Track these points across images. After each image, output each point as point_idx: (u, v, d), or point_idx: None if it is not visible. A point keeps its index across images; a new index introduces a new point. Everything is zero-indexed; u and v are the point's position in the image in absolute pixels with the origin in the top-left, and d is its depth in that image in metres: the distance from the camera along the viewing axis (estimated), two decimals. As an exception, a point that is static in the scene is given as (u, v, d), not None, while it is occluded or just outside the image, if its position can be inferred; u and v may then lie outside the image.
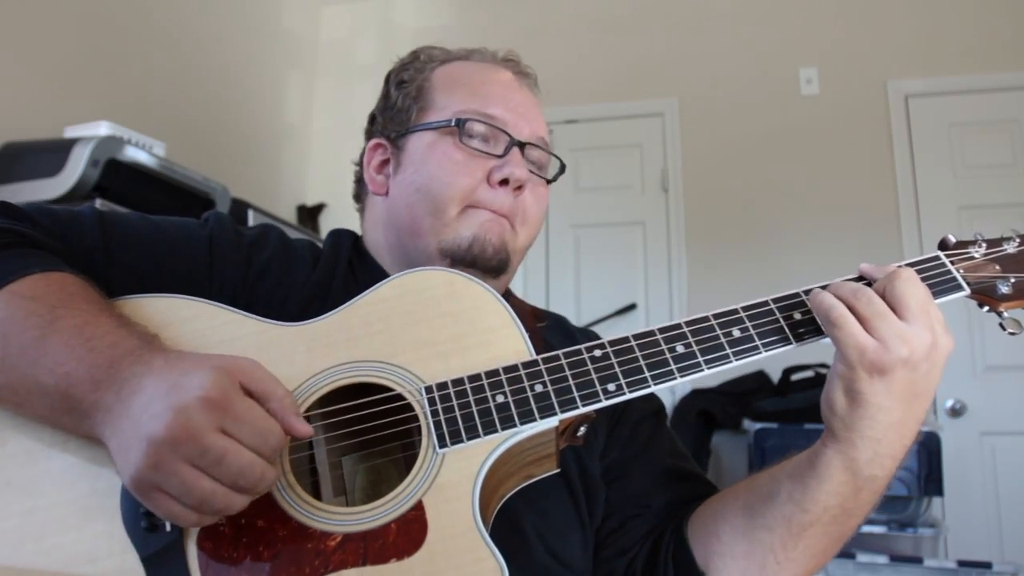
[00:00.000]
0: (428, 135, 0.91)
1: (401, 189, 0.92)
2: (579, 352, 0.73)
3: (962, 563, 2.30)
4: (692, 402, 3.01)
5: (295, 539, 0.64)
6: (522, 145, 0.90)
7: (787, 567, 0.78)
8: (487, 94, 0.92)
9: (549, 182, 0.97)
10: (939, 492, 2.58)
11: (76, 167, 1.92)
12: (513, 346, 0.74)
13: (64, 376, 0.62)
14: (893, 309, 0.69)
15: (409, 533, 0.64)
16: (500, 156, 0.89)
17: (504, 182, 0.88)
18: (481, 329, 0.75)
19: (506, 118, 0.90)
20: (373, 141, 0.98)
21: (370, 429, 0.71)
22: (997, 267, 0.79)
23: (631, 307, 3.38)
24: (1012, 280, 0.77)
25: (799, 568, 0.79)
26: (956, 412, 3.06)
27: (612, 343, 0.74)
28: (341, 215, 3.54)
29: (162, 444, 0.56)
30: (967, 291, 0.77)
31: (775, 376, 2.97)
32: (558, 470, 0.77)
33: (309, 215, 3.62)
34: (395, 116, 0.95)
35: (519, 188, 0.90)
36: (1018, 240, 0.80)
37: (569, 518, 0.85)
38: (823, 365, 2.94)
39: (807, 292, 0.76)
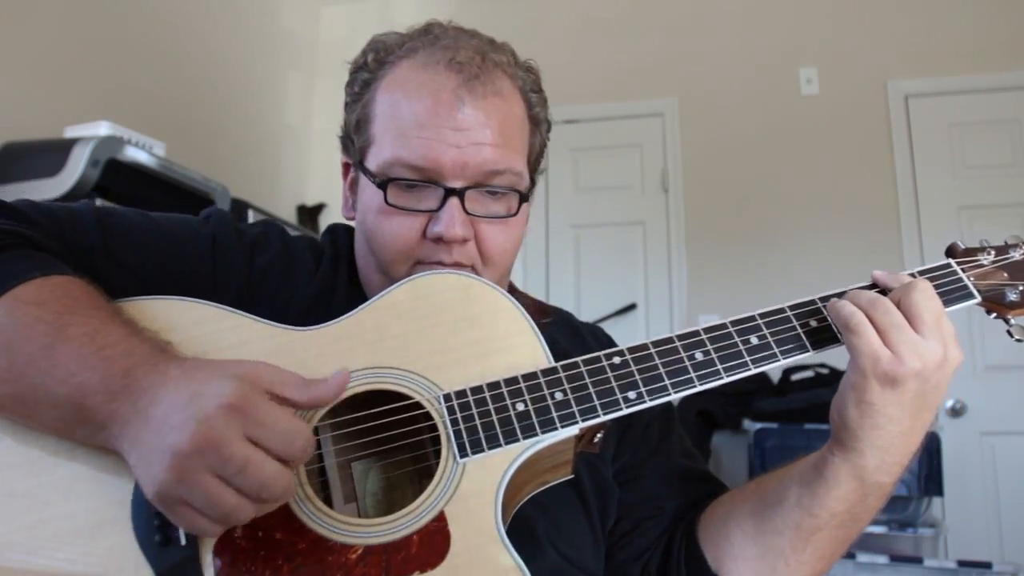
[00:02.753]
0: (367, 183, 0.84)
1: (358, 228, 0.88)
2: (598, 360, 0.72)
3: (962, 563, 2.30)
4: (692, 402, 3.01)
5: (315, 552, 0.63)
6: (461, 192, 0.79)
7: (797, 569, 0.79)
8: (418, 133, 0.79)
9: (516, 213, 0.84)
10: (939, 492, 2.59)
11: (76, 167, 1.92)
12: (531, 353, 0.73)
13: (77, 387, 0.60)
14: (908, 321, 0.69)
15: (432, 545, 0.63)
16: (435, 210, 0.79)
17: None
18: (499, 335, 0.73)
19: (440, 162, 0.78)
20: (343, 157, 0.94)
21: (385, 437, 0.70)
22: (1005, 274, 0.79)
23: (631, 307, 3.38)
24: (1021, 287, 0.79)
25: (808, 570, 0.79)
26: (956, 412, 3.06)
27: (631, 350, 0.73)
28: (341, 215, 3.54)
29: (186, 456, 0.55)
30: (978, 299, 0.78)
31: (775, 376, 2.97)
32: (572, 476, 0.76)
33: (309, 215, 3.62)
34: (347, 138, 0.91)
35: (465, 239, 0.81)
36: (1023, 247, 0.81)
37: (581, 523, 0.85)
38: (822, 365, 2.94)
39: (824, 300, 0.76)
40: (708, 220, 3.40)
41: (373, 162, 0.83)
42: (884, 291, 0.74)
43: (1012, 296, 0.78)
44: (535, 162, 0.90)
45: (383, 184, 0.80)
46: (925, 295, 0.70)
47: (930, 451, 2.58)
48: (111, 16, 2.58)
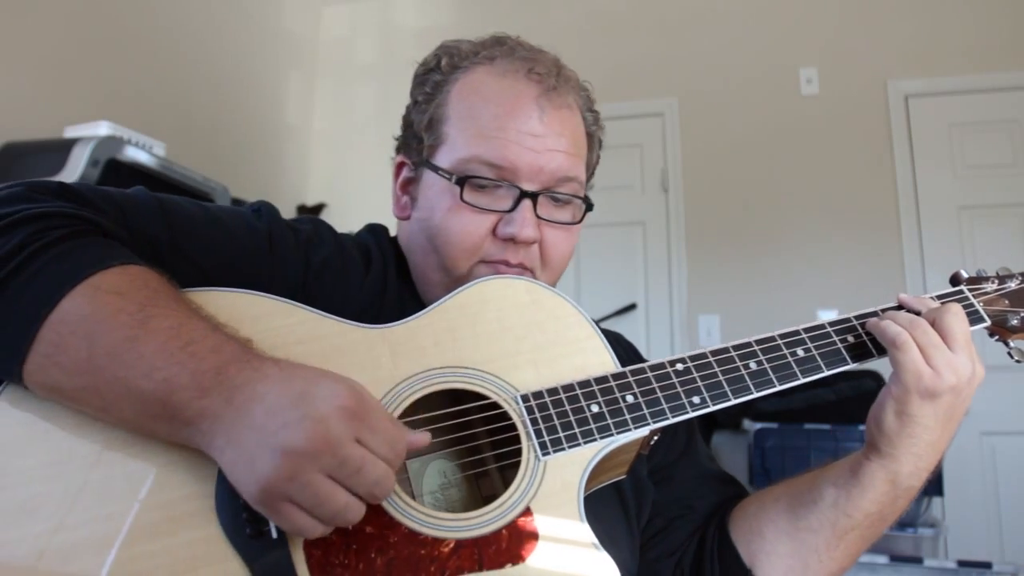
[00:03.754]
0: (437, 180, 0.86)
1: (416, 226, 0.89)
2: (663, 366, 0.77)
3: (962, 563, 2.30)
4: (692, 402, 3.01)
5: (407, 545, 0.64)
6: (535, 195, 0.83)
7: (828, 565, 0.84)
8: (498, 132, 0.82)
9: (579, 221, 0.90)
10: (939, 492, 2.59)
11: (76, 167, 1.93)
12: (598, 358, 0.77)
13: (163, 382, 0.58)
14: (943, 340, 0.77)
15: (521, 538, 0.66)
16: (508, 211, 0.83)
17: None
18: (567, 340, 0.77)
19: (517, 164, 0.82)
20: (399, 158, 0.94)
21: (454, 438, 0.73)
22: (1007, 301, 0.89)
23: (631, 307, 3.38)
24: (1022, 314, 0.89)
25: (837, 566, 0.85)
26: (956, 412, 3.06)
27: (692, 358, 0.78)
28: (341, 215, 3.54)
29: (301, 455, 0.54)
30: (988, 323, 0.87)
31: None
32: (626, 476, 0.81)
33: (309, 215, 3.62)
34: (413, 137, 0.91)
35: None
36: (1019, 278, 0.91)
37: (620, 522, 0.87)
38: (823, 365, 2.93)
39: (859, 318, 0.84)
40: (708, 220, 3.40)
41: (446, 159, 0.85)
42: (915, 312, 0.82)
43: (1014, 321, 0.88)
44: (589, 177, 0.95)
45: (461, 181, 0.82)
46: (958, 317, 0.78)
47: (930, 451, 2.58)
48: (111, 16, 2.58)
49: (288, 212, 3.53)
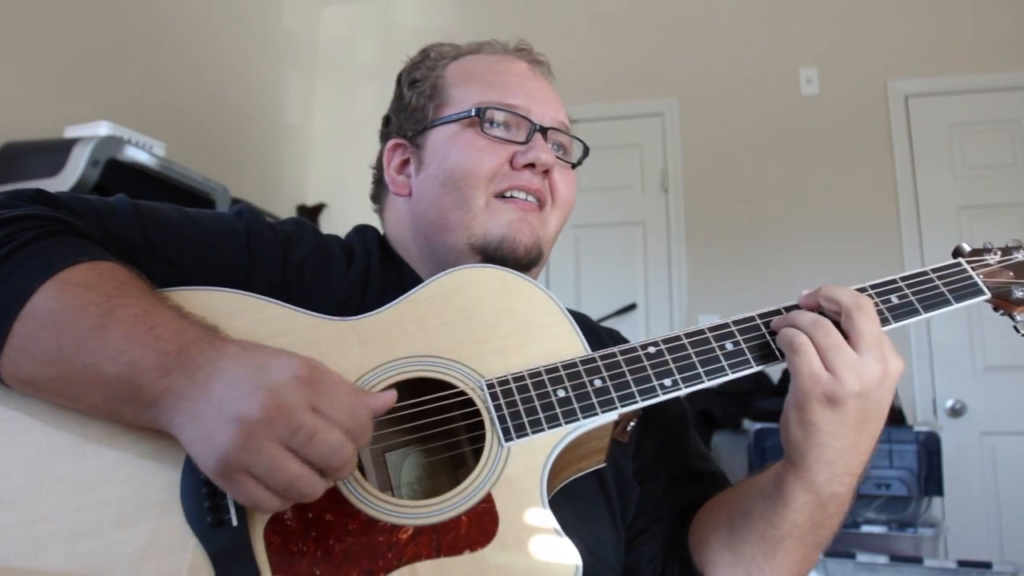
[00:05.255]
0: (448, 128, 0.90)
1: (425, 186, 0.91)
2: (634, 349, 0.76)
3: (962, 563, 2.30)
4: (692, 402, 3.01)
5: (366, 532, 0.64)
6: (544, 130, 0.90)
7: (771, 574, 0.81)
8: (504, 84, 0.91)
9: (575, 166, 0.97)
10: (939, 492, 2.58)
11: (76, 167, 1.92)
12: (569, 343, 0.76)
13: (128, 364, 0.60)
14: (848, 340, 0.71)
15: (481, 524, 0.65)
16: (523, 143, 0.89)
17: (529, 166, 0.88)
18: (537, 326, 0.76)
19: (526, 105, 0.90)
20: (392, 142, 0.96)
21: (424, 425, 0.72)
22: (1011, 273, 0.84)
23: (631, 307, 3.38)
24: None
25: (782, 573, 0.81)
26: (956, 412, 3.06)
27: (665, 340, 0.76)
28: (341, 215, 3.54)
29: (255, 423, 0.55)
30: (988, 295, 0.82)
31: (775, 376, 2.97)
32: (606, 464, 0.79)
33: (309, 215, 3.62)
34: (411, 115, 0.94)
35: (546, 172, 0.90)
36: None
37: (604, 518, 0.87)
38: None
39: (787, 309, 0.79)
40: (708, 220, 3.40)
41: (456, 110, 0.91)
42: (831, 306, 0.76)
43: (1018, 293, 0.82)
44: None
45: (480, 111, 0.88)
46: (865, 314, 0.72)
47: (930, 451, 2.58)
48: (111, 16, 2.58)
49: (288, 212, 3.54)
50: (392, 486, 0.75)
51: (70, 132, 2.15)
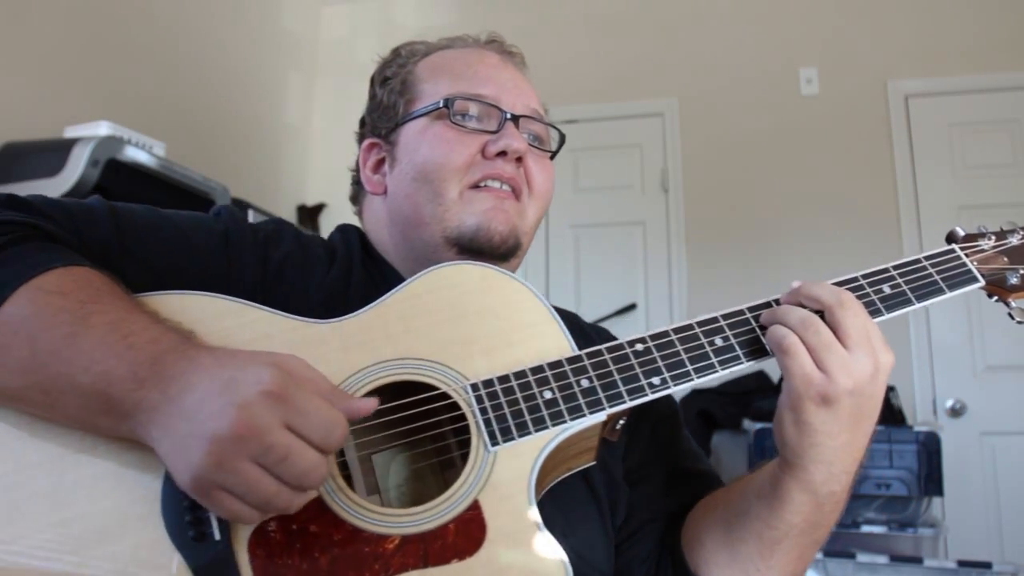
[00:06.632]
0: (419, 123, 0.89)
1: (399, 183, 0.90)
2: (621, 347, 0.73)
3: (962, 563, 2.30)
4: (692, 402, 3.01)
5: (351, 543, 0.63)
6: (516, 118, 0.88)
7: (767, 574, 0.81)
8: (473, 75, 0.90)
9: (553, 155, 0.95)
10: (939, 492, 2.58)
11: (76, 167, 1.92)
12: (554, 342, 0.74)
13: (102, 374, 0.59)
14: (837, 337, 0.70)
15: (468, 532, 0.64)
16: (494, 132, 0.87)
17: (502, 154, 0.86)
18: (521, 325, 0.74)
19: (496, 95, 0.89)
20: (366, 142, 0.96)
21: (410, 429, 0.70)
22: (1005, 259, 0.81)
23: (631, 307, 3.38)
24: (1021, 271, 0.81)
25: (778, 573, 0.81)
26: (956, 412, 3.06)
27: (653, 337, 0.74)
28: (341, 215, 3.53)
29: (226, 442, 0.54)
30: (982, 282, 0.80)
31: (775, 376, 2.97)
32: (595, 463, 0.77)
33: (309, 215, 3.62)
34: (383, 114, 0.94)
35: (519, 160, 0.87)
36: (1021, 232, 0.84)
37: (593, 520, 0.86)
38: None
39: (777, 302, 0.78)
40: (708, 220, 3.40)
41: (428, 101, 0.90)
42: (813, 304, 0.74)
43: (1013, 280, 0.80)
44: None
45: (448, 102, 0.87)
46: (851, 310, 0.71)
47: (930, 451, 2.58)
48: (111, 16, 2.58)
49: (288, 212, 3.54)
50: (380, 489, 0.73)
51: (70, 132, 2.15)
